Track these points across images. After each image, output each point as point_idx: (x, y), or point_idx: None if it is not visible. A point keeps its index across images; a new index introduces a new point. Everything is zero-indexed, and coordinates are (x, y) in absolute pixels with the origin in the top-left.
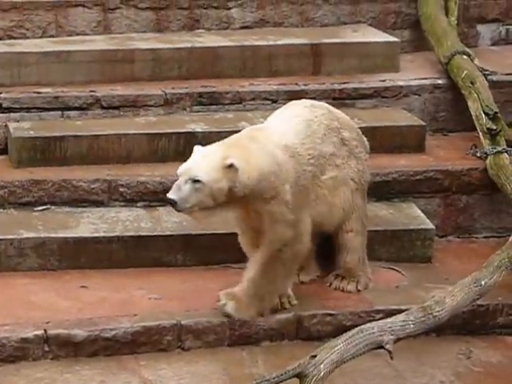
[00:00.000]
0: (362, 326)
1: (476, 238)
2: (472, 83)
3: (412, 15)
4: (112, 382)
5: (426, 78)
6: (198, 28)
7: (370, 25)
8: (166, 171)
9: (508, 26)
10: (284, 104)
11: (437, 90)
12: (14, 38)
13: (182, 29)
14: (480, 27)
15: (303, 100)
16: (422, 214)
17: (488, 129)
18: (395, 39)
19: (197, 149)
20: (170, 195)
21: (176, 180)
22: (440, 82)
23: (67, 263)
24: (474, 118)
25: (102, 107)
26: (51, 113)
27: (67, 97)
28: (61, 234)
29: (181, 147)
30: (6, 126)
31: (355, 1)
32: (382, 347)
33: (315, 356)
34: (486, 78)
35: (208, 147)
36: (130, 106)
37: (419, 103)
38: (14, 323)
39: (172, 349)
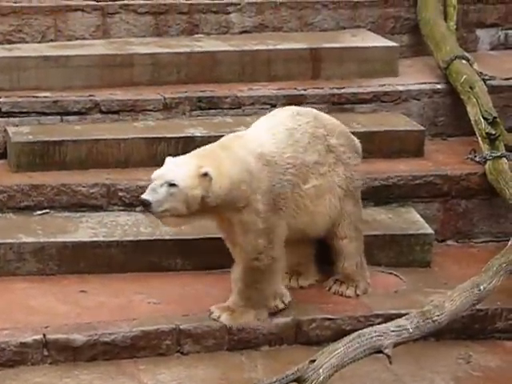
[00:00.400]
0: (361, 331)
1: (475, 242)
2: (471, 88)
3: (411, 20)
4: None
5: (425, 83)
6: (197, 33)
7: (369, 29)
8: None
9: (507, 31)
10: None
11: (436, 94)
12: (13, 43)
13: (181, 33)
14: (479, 32)
15: (289, 107)
16: (421, 219)
17: (487, 133)
18: (394, 44)
19: (169, 159)
20: (145, 196)
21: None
22: (439, 86)
23: (66, 268)
24: (473, 122)
25: (101, 112)
26: (50, 117)
27: (66, 101)
28: (60, 239)
29: (180, 152)
30: (5, 130)
31: (354, 5)
32: (381, 352)
33: (314, 360)
34: (485, 82)
35: (180, 157)
36: (129, 111)
37: (418, 108)
38: (13, 328)
39: (171, 353)
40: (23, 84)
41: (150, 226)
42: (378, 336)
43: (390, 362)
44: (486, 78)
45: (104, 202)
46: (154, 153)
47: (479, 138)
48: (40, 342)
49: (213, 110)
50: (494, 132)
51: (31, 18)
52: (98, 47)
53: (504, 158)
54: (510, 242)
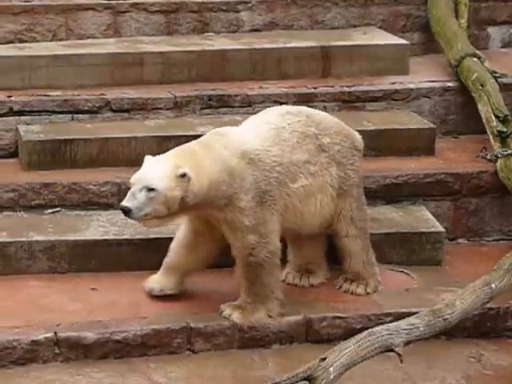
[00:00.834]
0: (372, 329)
1: (486, 240)
2: (482, 86)
3: (422, 18)
4: None
5: (435, 81)
6: (208, 31)
7: (380, 27)
8: None
9: None
10: None
11: (447, 92)
12: (25, 42)
13: (192, 32)
14: (490, 29)
15: (281, 106)
16: (432, 217)
17: (498, 131)
18: (405, 42)
19: (147, 158)
20: (125, 203)
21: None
22: (450, 84)
23: (77, 266)
24: (484, 120)
25: (112, 110)
26: (61, 116)
27: (77, 100)
28: (71, 237)
29: None
30: (16, 129)
31: (365, 3)
32: (391, 350)
33: (325, 359)
34: (496, 80)
35: (159, 156)
36: (139, 109)
37: (429, 106)
38: (25, 326)
39: (182, 351)
40: (34, 83)
41: None
42: (389, 334)
43: (401, 361)
44: (498, 75)
45: (115, 201)
46: (165, 151)
47: (490, 136)
48: (51, 340)
49: (223, 109)
50: (505, 130)
51: (42, 17)
52: (109, 46)
53: None
54: None
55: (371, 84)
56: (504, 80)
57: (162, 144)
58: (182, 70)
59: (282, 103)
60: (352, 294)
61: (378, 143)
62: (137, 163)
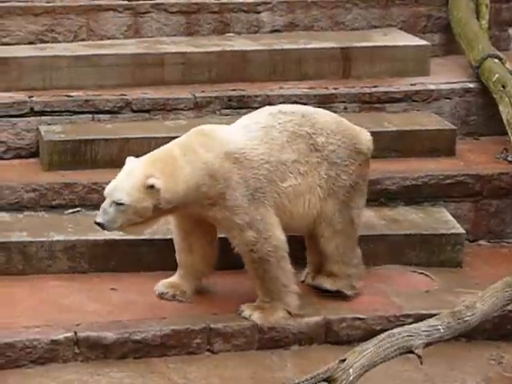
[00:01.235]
0: (392, 331)
1: (507, 242)
2: (503, 87)
3: (443, 19)
4: None
5: (456, 82)
6: (228, 32)
7: (401, 28)
8: None
9: None
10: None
11: (468, 93)
12: (46, 42)
13: (212, 32)
14: (511, 30)
15: (276, 106)
16: (452, 219)
17: None
18: (426, 43)
19: (127, 161)
20: (97, 219)
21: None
22: (471, 85)
23: (97, 266)
24: (505, 122)
25: (133, 110)
26: (82, 116)
27: (98, 100)
28: (91, 237)
29: None
30: (37, 129)
31: (385, 4)
32: (411, 352)
33: (344, 360)
34: None
35: (135, 161)
36: (160, 110)
37: (450, 107)
38: (45, 325)
39: (201, 352)
40: (55, 83)
41: None
42: (409, 336)
43: (421, 363)
44: None
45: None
46: None
47: (511, 138)
48: (71, 340)
49: (243, 110)
50: None
51: (63, 18)
52: (130, 46)
53: None
54: None
55: (392, 85)
56: None
57: None
58: (203, 70)
59: (302, 104)
60: (319, 288)
61: (399, 144)
62: None
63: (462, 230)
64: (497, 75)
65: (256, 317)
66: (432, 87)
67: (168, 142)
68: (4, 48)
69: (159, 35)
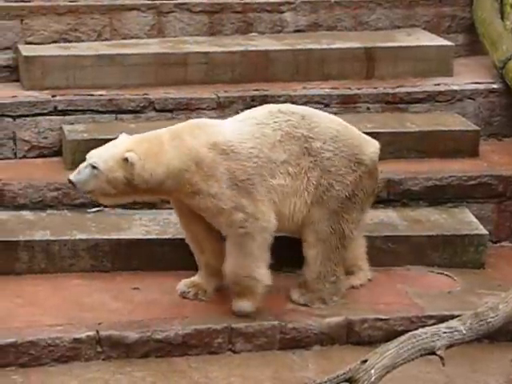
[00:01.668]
0: (414, 332)
1: None
2: None
3: (467, 19)
4: (163, 383)
5: (480, 83)
6: (251, 31)
7: (424, 28)
8: None
9: None
10: (337, 108)
11: (491, 94)
12: (70, 41)
13: (235, 32)
14: None
15: (277, 105)
16: (475, 220)
17: None
18: (449, 43)
19: (120, 136)
20: (70, 177)
21: None
22: (495, 86)
23: (119, 265)
24: None
25: (156, 110)
26: (105, 115)
27: (121, 99)
28: (113, 236)
29: None
30: (60, 128)
31: (409, 4)
32: (433, 353)
33: (366, 361)
34: None
35: (123, 138)
36: (183, 109)
37: (473, 108)
38: (67, 324)
39: (223, 351)
40: (79, 82)
41: None
42: (431, 337)
43: (443, 364)
44: None
45: (157, 200)
46: None
47: None
48: (93, 339)
49: None
50: None
51: (87, 17)
52: (153, 46)
53: None
54: None
55: (415, 85)
56: None
57: None
58: (226, 70)
59: (324, 104)
60: (292, 300)
61: (422, 145)
62: None
63: (484, 231)
64: None
65: (245, 305)
66: (455, 88)
67: None
68: (28, 47)
69: (182, 35)
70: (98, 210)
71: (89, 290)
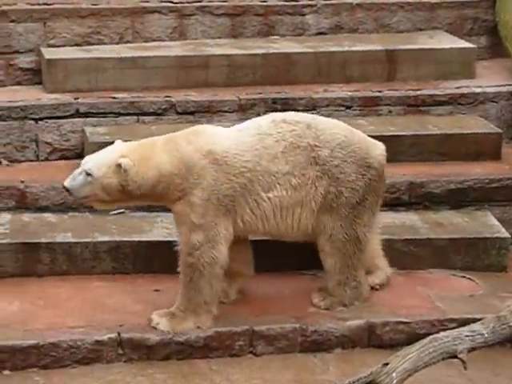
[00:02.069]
0: (436, 335)
1: None
2: None
3: (489, 21)
4: None
5: (502, 85)
6: (273, 34)
7: (447, 31)
8: None
9: None
10: (359, 111)
11: None
12: (92, 44)
13: (257, 35)
14: None
15: (281, 113)
16: (497, 223)
17: None
18: (472, 45)
19: (116, 143)
20: (65, 183)
21: None
22: None
23: (141, 267)
24: None
25: (177, 112)
26: (127, 118)
27: (143, 102)
28: (135, 238)
29: None
30: (82, 130)
31: (431, 7)
32: (455, 357)
33: (387, 364)
34: None
35: (121, 144)
36: (204, 112)
37: (496, 110)
38: (88, 326)
39: (244, 354)
40: (101, 85)
41: None
42: (453, 340)
43: (465, 368)
44: None
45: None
46: None
47: None
48: (115, 341)
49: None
50: None
51: (109, 20)
52: (175, 48)
53: None
54: None
55: (437, 88)
56: None
57: None
58: (247, 72)
59: (346, 107)
60: (313, 304)
61: (444, 147)
62: None
63: (507, 234)
64: None
65: (163, 324)
66: (478, 90)
67: None
68: (50, 50)
69: (204, 37)
70: (119, 213)
71: (110, 292)
